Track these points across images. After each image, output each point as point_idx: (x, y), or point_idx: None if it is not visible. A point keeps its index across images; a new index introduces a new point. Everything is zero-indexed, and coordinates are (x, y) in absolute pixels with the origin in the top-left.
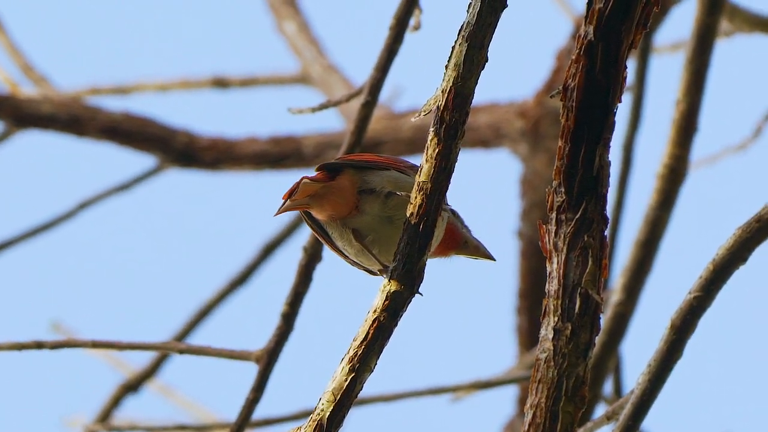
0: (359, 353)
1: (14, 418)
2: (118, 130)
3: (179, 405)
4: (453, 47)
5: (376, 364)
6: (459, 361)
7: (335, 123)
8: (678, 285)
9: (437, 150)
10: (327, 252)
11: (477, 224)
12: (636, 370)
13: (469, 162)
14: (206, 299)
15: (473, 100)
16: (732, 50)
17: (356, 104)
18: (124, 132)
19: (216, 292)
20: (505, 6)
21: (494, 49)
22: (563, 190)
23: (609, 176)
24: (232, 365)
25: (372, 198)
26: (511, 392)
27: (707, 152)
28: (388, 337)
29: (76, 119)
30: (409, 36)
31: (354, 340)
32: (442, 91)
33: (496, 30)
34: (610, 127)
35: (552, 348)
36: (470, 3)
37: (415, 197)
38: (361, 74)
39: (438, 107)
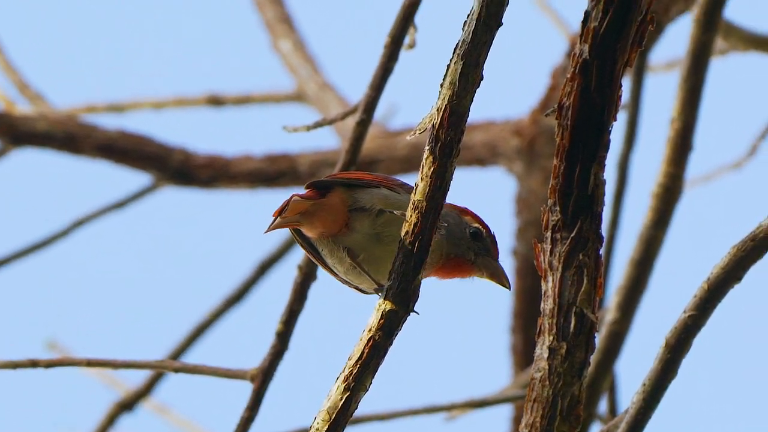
0: (354, 372)
1: None
2: (113, 147)
3: (174, 423)
4: (448, 65)
5: (371, 382)
6: (454, 380)
7: (330, 141)
8: (673, 304)
9: (432, 168)
10: (322, 271)
11: None
12: (631, 389)
13: (464, 180)
14: (201, 317)
15: (468, 119)
16: (727, 68)
17: (351, 122)
18: (119, 150)
19: (211, 310)
20: (500, 24)
21: (489, 67)
22: (558, 208)
23: (604, 195)
24: (227, 384)
25: (363, 216)
26: (505, 411)
27: (702, 171)
28: (383, 356)
29: (71, 137)
30: (404, 54)
31: (349, 358)
32: (438, 110)
33: (491, 48)
34: (606, 145)
35: (547, 367)
36: (465, 21)
37: (410, 216)
38: (356, 92)
39: (433, 125)
